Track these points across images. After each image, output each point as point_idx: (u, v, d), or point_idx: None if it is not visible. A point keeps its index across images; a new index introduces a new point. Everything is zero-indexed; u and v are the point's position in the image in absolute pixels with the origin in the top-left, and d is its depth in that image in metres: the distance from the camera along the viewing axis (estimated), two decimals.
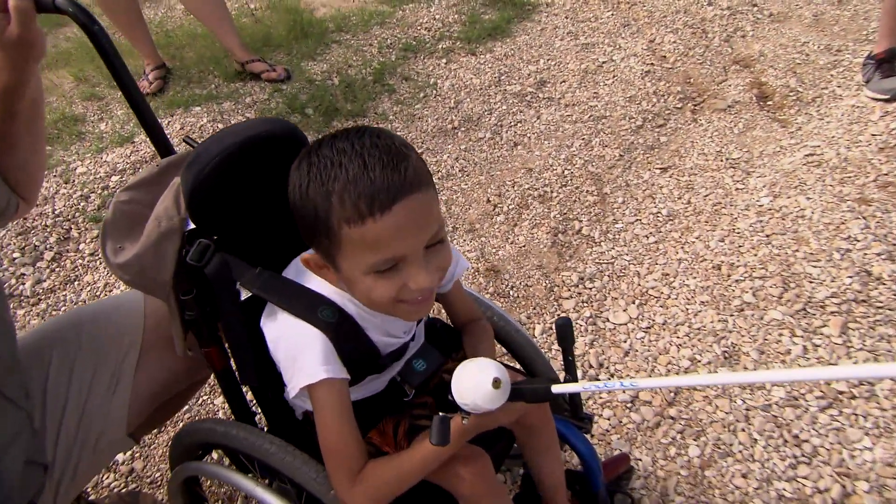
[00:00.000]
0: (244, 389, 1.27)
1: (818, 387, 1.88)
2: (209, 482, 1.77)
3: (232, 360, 1.21)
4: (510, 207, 2.74)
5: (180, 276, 1.11)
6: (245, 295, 1.15)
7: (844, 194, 2.49)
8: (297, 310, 1.03)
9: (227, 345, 1.19)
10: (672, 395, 1.94)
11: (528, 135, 3.12)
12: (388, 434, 1.16)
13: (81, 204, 2.78)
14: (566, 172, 2.88)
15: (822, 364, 1.93)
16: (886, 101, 2.95)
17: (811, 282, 2.19)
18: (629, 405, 1.93)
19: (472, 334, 1.28)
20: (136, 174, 1.20)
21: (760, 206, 2.55)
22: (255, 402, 1.29)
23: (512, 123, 3.19)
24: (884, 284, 2.13)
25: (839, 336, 2.00)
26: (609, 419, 1.90)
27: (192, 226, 1.11)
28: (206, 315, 1.15)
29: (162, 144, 1.25)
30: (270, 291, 1.06)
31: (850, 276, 2.16)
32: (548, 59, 3.61)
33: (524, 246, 2.57)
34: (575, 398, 1.44)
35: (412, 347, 1.23)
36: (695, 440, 1.82)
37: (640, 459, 1.78)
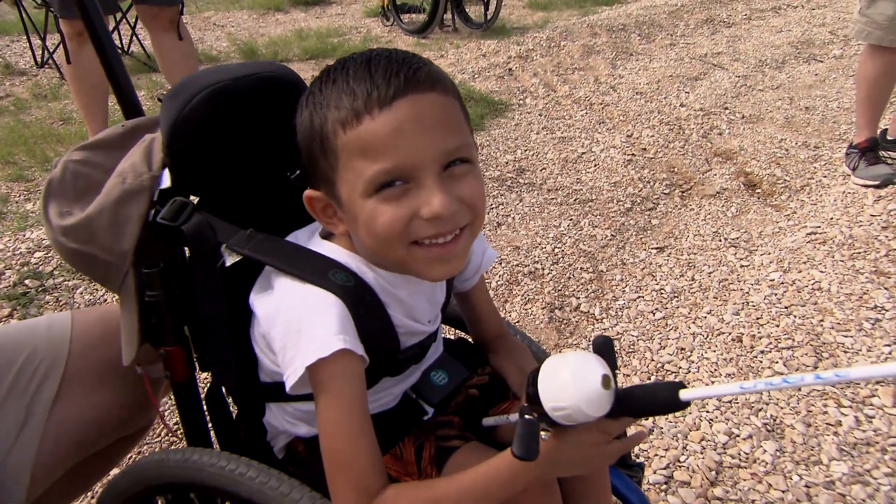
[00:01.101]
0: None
1: (885, 463, 1.66)
2: None
3: (198, 366, 0.94)
4: (499, 283, 2.55)
5: (142, 247, 0.88)
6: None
7: (858, 268, 2.41)
8: (303, 272, 0.80)
9: (193, 343, 0.93)
10: (714, 473, 1.68)
11: (512, 215, 3.00)
12: (408, 460, 0.88)
13: None
14: (556, 250, 2.74)
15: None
16: (877, 186, 2.99)
17: (845, 351, 2.02)
18: (663, 486, 1.66)
19: (507, 352, 1.05)
20: (97, 135, 0.99)
21: (772, 280, 2.43)
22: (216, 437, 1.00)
23: (494, 206, 3.08)
24: None
25: (893, 407, 1.81)
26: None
27: (164, 184, 0.90)
28: (173, 299, 0.90)
29: (130, 105, 1.06)
30: (266, 253, 0.83)
31: (888, 345, 2.00)
32: (525, 150, 3.61)
33: (518, 322, 2.36)
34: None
35: (431, 354, 0.99)
36: None
37: None
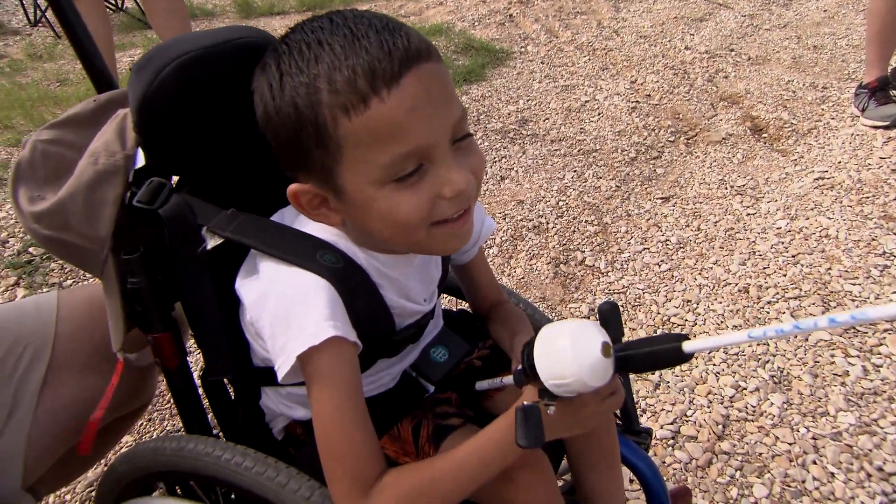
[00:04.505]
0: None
1: (892, 412, 1.63)
2: None
3: (190, 352, 0.90)
4: (503, 239, 2.50)
5: (122, 232, 0.82)
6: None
7: (867, 213, 2.34)
8: (288, 255, 0.74)
9: (184, 330, 0.89)
10: (721, 427, 1.65)
11: (516, 168, 2.93)
12: (406, 439, 0.84)
13: None
14: (561, 203, 2.68)
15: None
16: (887, 127, 2.88)
17: (853, 300, 1.97)
18: (671, 441, 1.64)
19: (503, 319, 1.00)
20: (67, 111, 0.92)
21: (778, 228, 2.37)
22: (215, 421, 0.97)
23: (496, 159, 3.01)
24: None
25: None
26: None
27: (140, 163, 0.83)
28: (156, 285, 0.84)
29: (100, 75, 0.98)
30: (250, 235, 0.78)
31: None
32: (527, 100, 3.49)
33: (523, 278, 2.31)
34: (628, 405, 1.15)
35: (430, 331, 0.95)
36: (758, 478, 1.52)
37: None
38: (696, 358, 1.88)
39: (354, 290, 0.74)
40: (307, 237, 0.77)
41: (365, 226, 0.73)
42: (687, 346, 0.63)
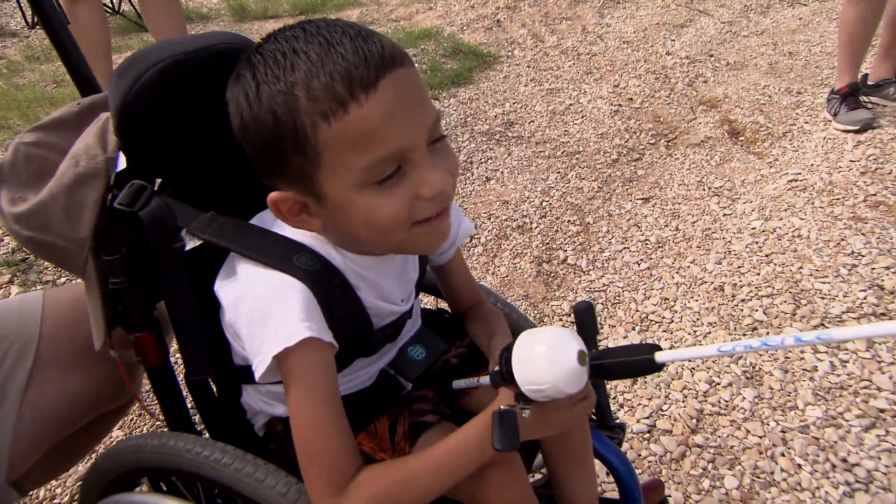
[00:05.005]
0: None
1: (856, 405, 1.64)
2: None
3: (170, 350, 0.90)
4: (488, 239, 2.51)
5: (104, 233, 0.82)
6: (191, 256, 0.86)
7: (837, 214, 2.36)
8: (265, 257, 0.74)
9: (166, 329, 0.89)
10: (695, 421, 1.67)
11: (501, 170, 2.94)
12: (382, 436, 0.85)
13: None
14: (544, 204, 2.69)
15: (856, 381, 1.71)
16: (856, 131, 2.90)
17: (823, 297, 1.99)
18: (647, 435, 1.65)
19: (480, 319, 1.01)
20: (51, 114, 0.92)
21: (753, 228, 2.39)
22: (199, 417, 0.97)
23: (482, 160, 3.01)
24: None
25: (867, 351, 1.78)
26: (625, 453, 1.61)
27: (121, 166, 0.83)
28: (137, 286, 0.84)
29: (83, 79, 0.98)
30: (228, 237, 0.78)
31: (863, 290, 1.97)
32: (514, 103, 3.50)
33: (507, 276, 2.32)
34: (602, 401, 1.16)
35: (408, 330, 0.95)
36: (729, 470, 1.53)
37: (670, 495, 1.49)
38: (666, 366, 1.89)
39: (331, 291, 0.75)
40: (284, 240, 0.77)
41: (346, 229, 0.73)
42: (659, 357, 0.64)
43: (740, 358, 1.83)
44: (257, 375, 0.70)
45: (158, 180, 0.86)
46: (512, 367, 0.68)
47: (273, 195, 0.72)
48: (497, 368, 0.75)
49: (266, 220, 0.82)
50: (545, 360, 0.65)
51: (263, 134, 0.68)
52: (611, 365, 0.68)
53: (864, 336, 0.56)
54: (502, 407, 0.67)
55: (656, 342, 1.95)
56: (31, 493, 1.44)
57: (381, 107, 0.64)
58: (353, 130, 0.64)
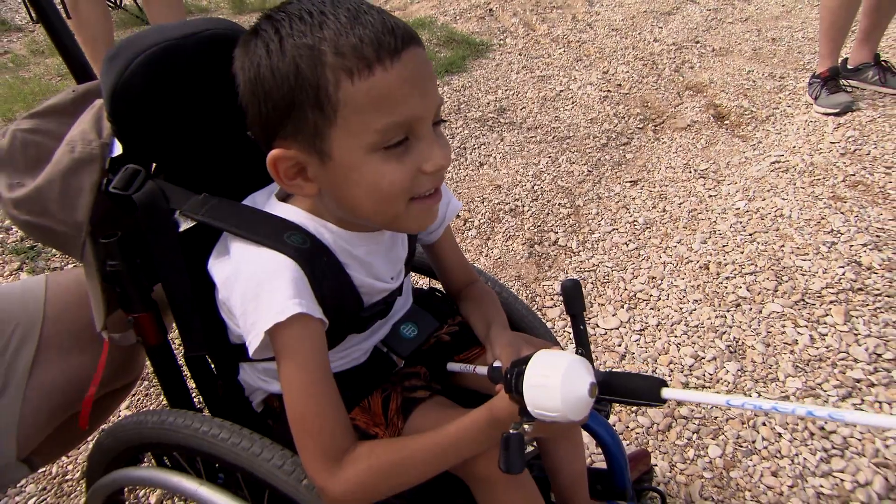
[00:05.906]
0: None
1: (834, 376, 1.65)
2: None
3: (169, 330, 0.89)
4: (481, 222, 2.50)
5: (100, 217, 0.81)
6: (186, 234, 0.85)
7: (817, 194, 2.35)
8: (257, 236, 0.74)
9: (164, 310, 0.88)
10: None
11: (494, 155, 2.92)
12: (375, 411, 0.85)
13: (1, 236, 2.39)
14: (536, 188, 2.67)
15: (834, 352, 1.71)
16: (837, 114, 2.89)
17: (803, 274, 1.99)
18: (633, 409, 1.65)
19: (474, 299, 1.00)
20: (47, 101, 0.90)
21: (737, 209, 2.38)
22: (198, 394, 0.96)
23: (476, 146, 3.00)
24: (876, 273, 1.95)
25: (844, 324, 1.78)
26: (614, 425, 1.62)
27: (116, 152, 0.82)
28: (134, 268, 0.83)
29: (79, 67, 0.97)
30: (221, 218, 0.77)
31: (842, 267, 1.97)
32: (506, 90, 3.48)
33: (500, 258, 2.32)
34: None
35: (399, 308, 0.94)
36: (713, 440, 1.54)
37: (657, 464, 1.49)
38: (658, 330, 1.89)
39: (321, 268, 0.74)
40: (275, 219, 0.76)
41: (344, 195, 0.73)
42: (665, 393, 0.64)
43: (724, 333, 1.83)
44: (251, 351, 0.70)
45: (154, 164, 0.85)
46: (523, 389, 0.66)
47: (274, 152, 0.71)
48: (497, 364, 0.75)
49: (258, 201, 0.81)
50: (559, 392, 0.64)
51: (282, 86, 0.67)
52: (617, 388, 0.68)
53: (874, 425, 0.54)
54: (511, 431, 0.66)
55: (644, 321, 1.95)
56: (42, 468, 1.44)
57: (404, 74, 0.66)
58: (376, 92, 0.65)
